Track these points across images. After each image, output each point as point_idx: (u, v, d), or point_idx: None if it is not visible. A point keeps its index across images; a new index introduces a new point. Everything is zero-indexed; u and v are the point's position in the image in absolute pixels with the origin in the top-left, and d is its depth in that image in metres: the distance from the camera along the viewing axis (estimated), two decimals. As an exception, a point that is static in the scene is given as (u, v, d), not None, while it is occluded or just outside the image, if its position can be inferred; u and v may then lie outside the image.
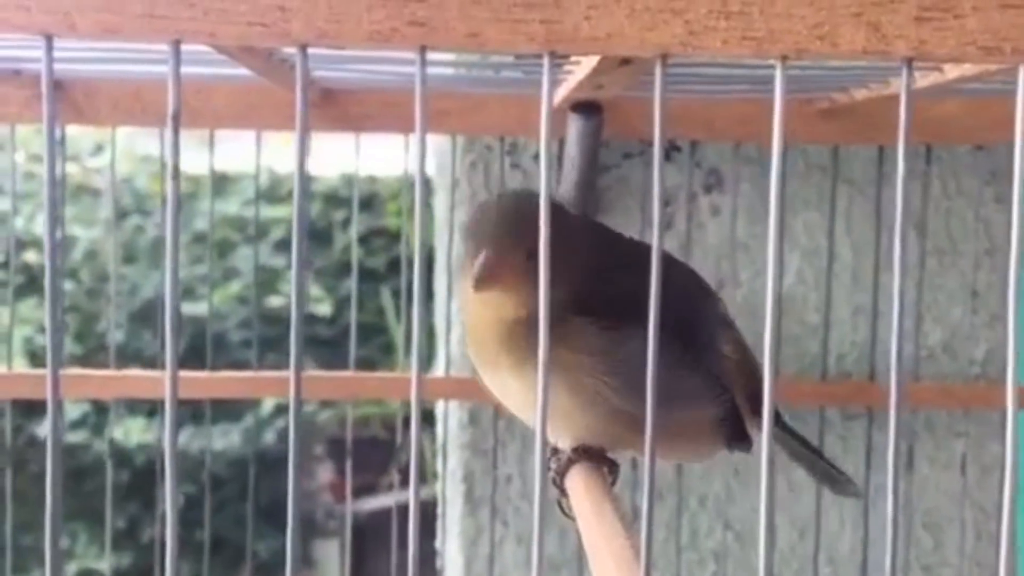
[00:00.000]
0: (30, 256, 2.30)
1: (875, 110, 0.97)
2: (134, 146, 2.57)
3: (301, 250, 0.38)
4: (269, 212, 2.49)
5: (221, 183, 2.36)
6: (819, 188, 1.09)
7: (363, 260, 2.46)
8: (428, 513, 1.18)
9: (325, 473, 2.76)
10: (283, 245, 2.53)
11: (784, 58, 0.39)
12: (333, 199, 2.66)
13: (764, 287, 1.05)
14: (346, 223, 2.61)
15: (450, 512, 1.11)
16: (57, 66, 0.96)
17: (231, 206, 2.52)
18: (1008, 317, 0.39)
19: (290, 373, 0.39)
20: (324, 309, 2.57)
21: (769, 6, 0.38)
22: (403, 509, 1.03)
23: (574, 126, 0.93)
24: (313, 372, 1.20)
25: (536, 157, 1.08)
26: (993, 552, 1.11)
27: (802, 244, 1.10)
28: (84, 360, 2.26)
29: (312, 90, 0.98)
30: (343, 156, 1.09)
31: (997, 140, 1.06)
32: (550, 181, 0.39)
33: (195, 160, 1.19)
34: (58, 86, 0.99)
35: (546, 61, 0.39)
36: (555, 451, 0.69)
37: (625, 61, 0.64)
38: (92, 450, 2.37)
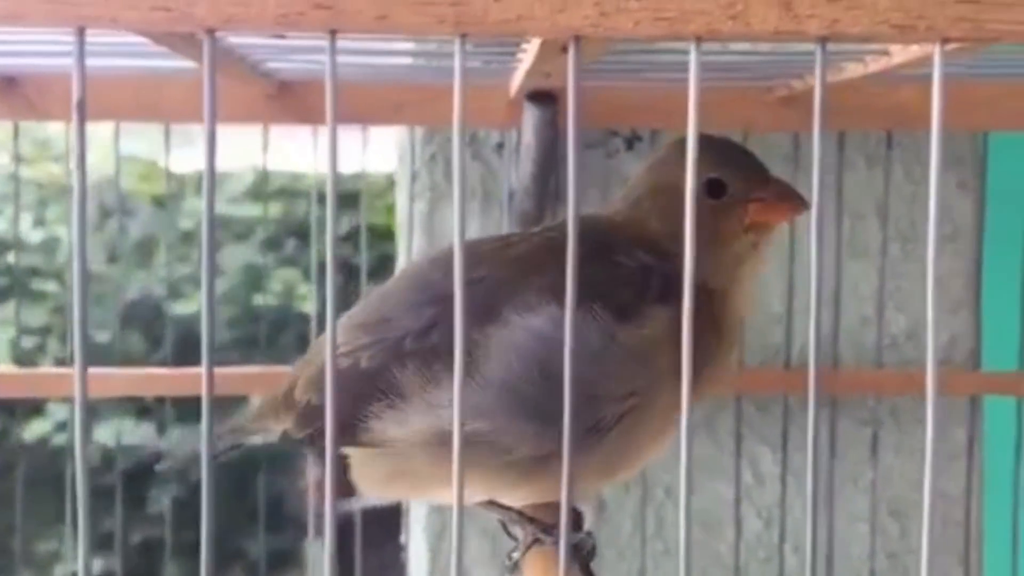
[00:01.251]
0: (12, 257, 2.29)
1: (834, 97, 0.97)
2: (117, 145, 2.55)
3: (211, 250, 0.38)
4: (255, 210, 2.48)
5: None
6: (781, 175, 1.09)
7: (349, 257, 2.44)
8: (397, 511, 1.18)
9: (315, 472, 2.75)
10: (269, 243, 2.52)
11: (698, 39, 0.38)
12: (320, 197, 2.64)
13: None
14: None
15: (415, 508, 1.11)
16: (8, 61, 0.95)
17: (217, 204, 2.50)
18: (928, 295, 0.39)
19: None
20: (311, 307, 2.57)
21: (681, -14, 0.37)
22: (369, 510, 1.03)
23: (529, 116, 0.92)
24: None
25: (498, 148, 1.08)
26: (959, 539, 1.11)
27: (764, 232, 1.09)
28: (71, 361, 2.24)
29: (268, 83, 0.97)
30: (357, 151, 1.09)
31: (957, 125, 1.06)
32: (464, 171, 0.39)
33: (180, 158, 1.19)
34: (10, 82, 0.98)
35: (457, 44, 0.38)
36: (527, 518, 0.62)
37: (565, 48, 0.63)
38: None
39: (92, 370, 1.05)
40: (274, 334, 2.00)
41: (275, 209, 2.28)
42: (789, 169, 1.08)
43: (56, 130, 2.04)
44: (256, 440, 0.66)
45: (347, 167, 1.17)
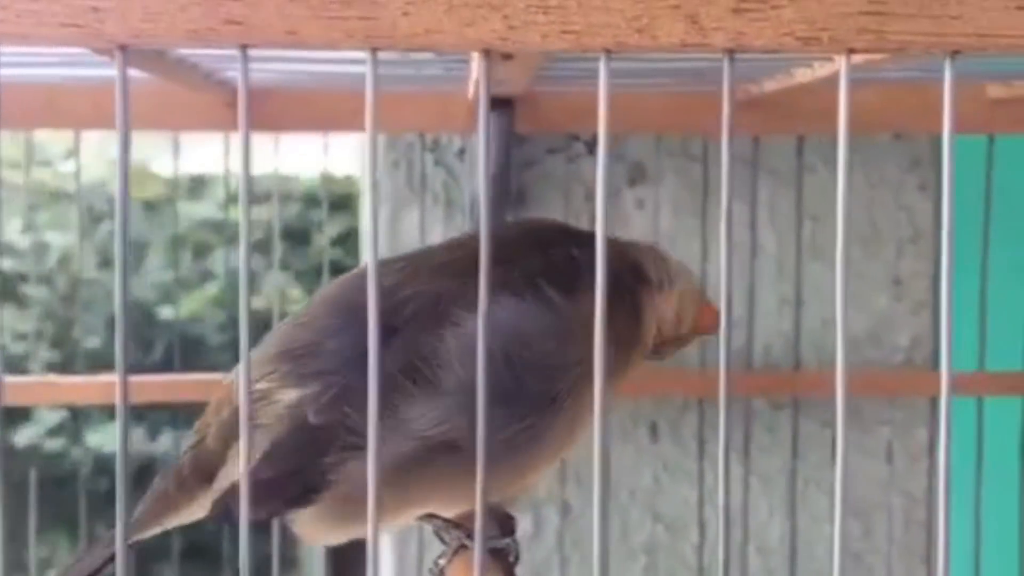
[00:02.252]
0: (0, 263, 2.28)
1: (792, 100, 0.98)
2: (106, 150, 2.55)
3: (123, 256, 0.38)
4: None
5: (195, 186, 2.34)
6: (741, 180, 1.09)
7: (341, 260, 2.44)
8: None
9: None
10: (259, 247, 2.51)
11: (607, 52, 0.39)
12: (311, 200, 2.64)
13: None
14: (323, 224, 2.60)
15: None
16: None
17: (205, 209, 2.50)
18: (837, 296, 0.40)
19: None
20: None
21: (587, 0, 0.38)
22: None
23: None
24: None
25: (460, 154, 1.08)
26: (922, 538, 1.11)
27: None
28: (61, 367, 2.24)
29: (225, 91, 0.98)
30: (318, 156, 1.09)
31: (916, 128, 1.07)
32: (375, 176, 0.39)
33: (168, 164, 1.20)
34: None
35: (368, 59, 0.39)
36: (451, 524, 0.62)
37: (507, 56, 0.64)
38: (69, 458, 2.35)
39: (82, 378, 1.06)
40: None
41: (265, 212, 2.28)
42: (749, 173, 1.09)
43: (44, 135, 2.04)
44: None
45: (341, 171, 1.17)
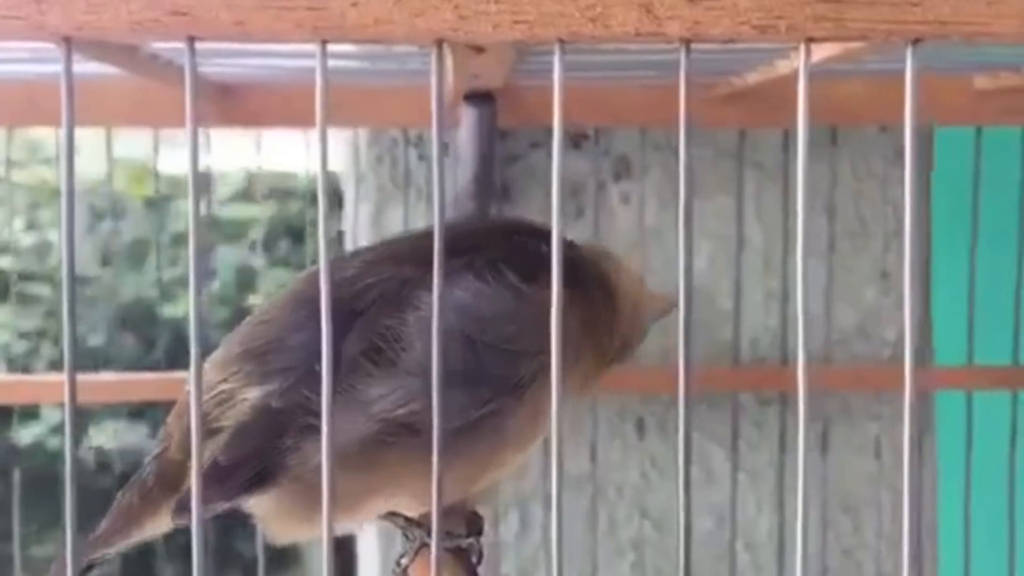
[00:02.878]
0: (3, 261, 2.27)
1: (776, 93, 0.97)
2: (110, 147, 2.54)
3: (70, 264, 0.37)
4: (246, 212, 2.46)
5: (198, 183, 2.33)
6: (728, 173, 1.09)
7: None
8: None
9: None
10: (262, 244, 2.51)
11: (561, 42, 0.38)
12: (312, 197, 2.63)
13: (677, 275, 1.05)
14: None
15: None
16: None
17: (207, 206, 2.49)
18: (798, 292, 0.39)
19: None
20: None
21: (539, -12, 0.37)
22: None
23: (467, 116, 0.92)
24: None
25: (444, 148, 1.07)
26: (912, 535, 1.11)
27: (712, 230, 1.09)
28: (63, 366, 2.24)
29: (207, 85, 0.97)
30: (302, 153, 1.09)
31: (902, 120, 1.06)
32: (326, 177, 0.39)
33: (170, 161, 1.20)
34: None
35: (318, 50, 0.38)
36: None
37: (479, 49, 0.63)
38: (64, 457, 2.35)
39: (84, 377, 1.06)
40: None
41: (267, 209, 2.27)
42: (734, 166, 1.08)
43: (46, 133, 2.03)
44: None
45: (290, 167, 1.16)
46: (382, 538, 1.09)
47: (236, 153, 1.19)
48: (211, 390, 0.55)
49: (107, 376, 1.09)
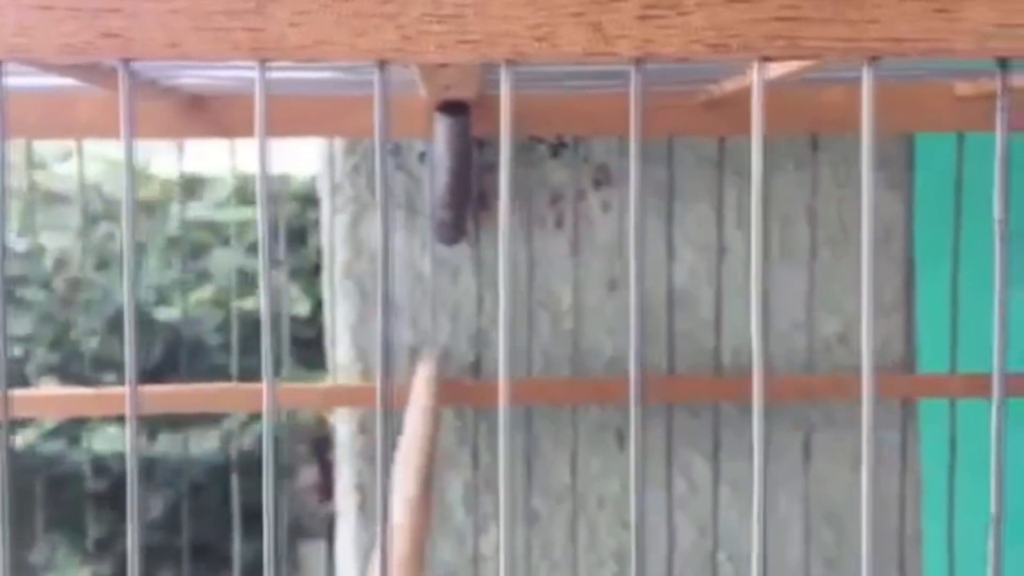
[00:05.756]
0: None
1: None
2: (103, 152, 2.54)
3: (127, 259, 0.36)
4: (242, 214, 2.45)
5: (192, 186, 2.32)
6: (708, 181, 1.08)
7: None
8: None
9: (309, 473, 2.74)
10: (257, 247, 2.49)
11: (508, 62, 0.37)
12: (309, 199, 2.62)
13: (658, 283, 1.04)
14: (320, 223, 2.60)
15: (343, 520, 1.10)
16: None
17: (203, 209, 2.49)
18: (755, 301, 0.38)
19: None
20: (302, 309, 2.56)
21: (484, 8, 0.36)
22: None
23: (442, 127, 0.91)
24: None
25: (421, 157, 1.07)
26: (894, 545, 1.10)
27: (694, 238, 1.08)
28: (59, 369, 2.23)
29: (179, 96, 0.96)
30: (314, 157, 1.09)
31: (885, 127, 1.05)
32: (265, 189, 0.37)
33: (164, 164, 1.20)
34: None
35: (257, 70, 0.37)
36: None
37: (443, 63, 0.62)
38: (68, 460, 2.34)
39: (75, 390, 1.04)
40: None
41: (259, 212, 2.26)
42: (714, 173, 1.07)
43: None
44: None
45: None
46: (358, 552, 1.08)
47: (226, 157, 1.18)
48: None
49: (108, 390, 1.09)
